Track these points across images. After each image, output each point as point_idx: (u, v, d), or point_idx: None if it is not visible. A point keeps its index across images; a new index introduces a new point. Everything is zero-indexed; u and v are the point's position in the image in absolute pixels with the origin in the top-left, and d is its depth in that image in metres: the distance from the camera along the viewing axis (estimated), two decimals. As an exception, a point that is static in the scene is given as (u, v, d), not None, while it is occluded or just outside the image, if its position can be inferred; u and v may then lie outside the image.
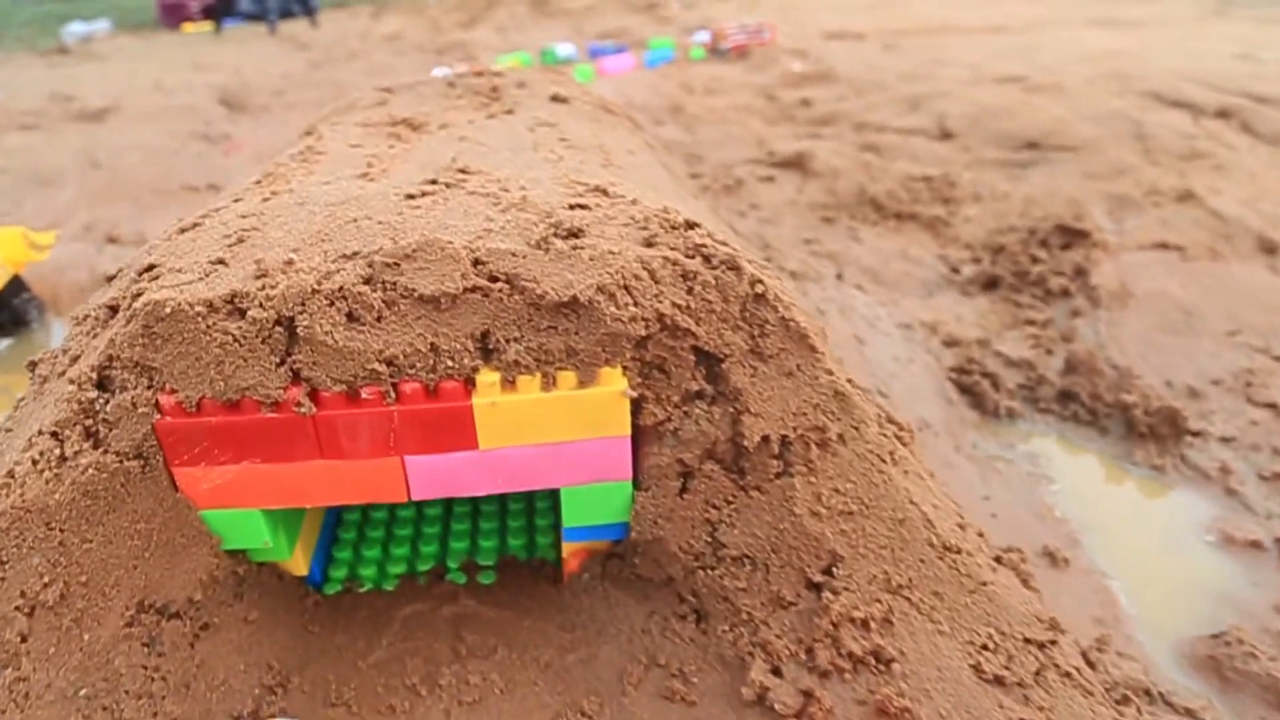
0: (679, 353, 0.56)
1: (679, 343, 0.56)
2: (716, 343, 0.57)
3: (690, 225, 0.60)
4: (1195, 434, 1.00)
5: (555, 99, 1.06)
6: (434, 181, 0.70)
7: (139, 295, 0.55)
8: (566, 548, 0.63)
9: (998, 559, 0.68)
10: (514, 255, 0.54)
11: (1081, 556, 0.84)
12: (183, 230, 0.67)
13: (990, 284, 1.40)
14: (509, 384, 0.54)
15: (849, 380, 0.64)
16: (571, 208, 0.62)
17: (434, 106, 1.04)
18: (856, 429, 0.62)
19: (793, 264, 1.37)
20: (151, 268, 0.61)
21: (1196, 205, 1.57)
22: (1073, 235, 1.46)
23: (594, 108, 1.08)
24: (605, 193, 0.65)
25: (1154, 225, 1.56)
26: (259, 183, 0.78)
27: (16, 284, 1.35)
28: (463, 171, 0.73)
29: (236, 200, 0.74)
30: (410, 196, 0.65)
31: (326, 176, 0.76)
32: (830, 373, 0.61)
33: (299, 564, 0.63)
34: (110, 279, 0.67)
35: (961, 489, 0.94)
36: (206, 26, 5.54)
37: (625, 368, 0.55)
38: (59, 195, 1.88)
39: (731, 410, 0.59)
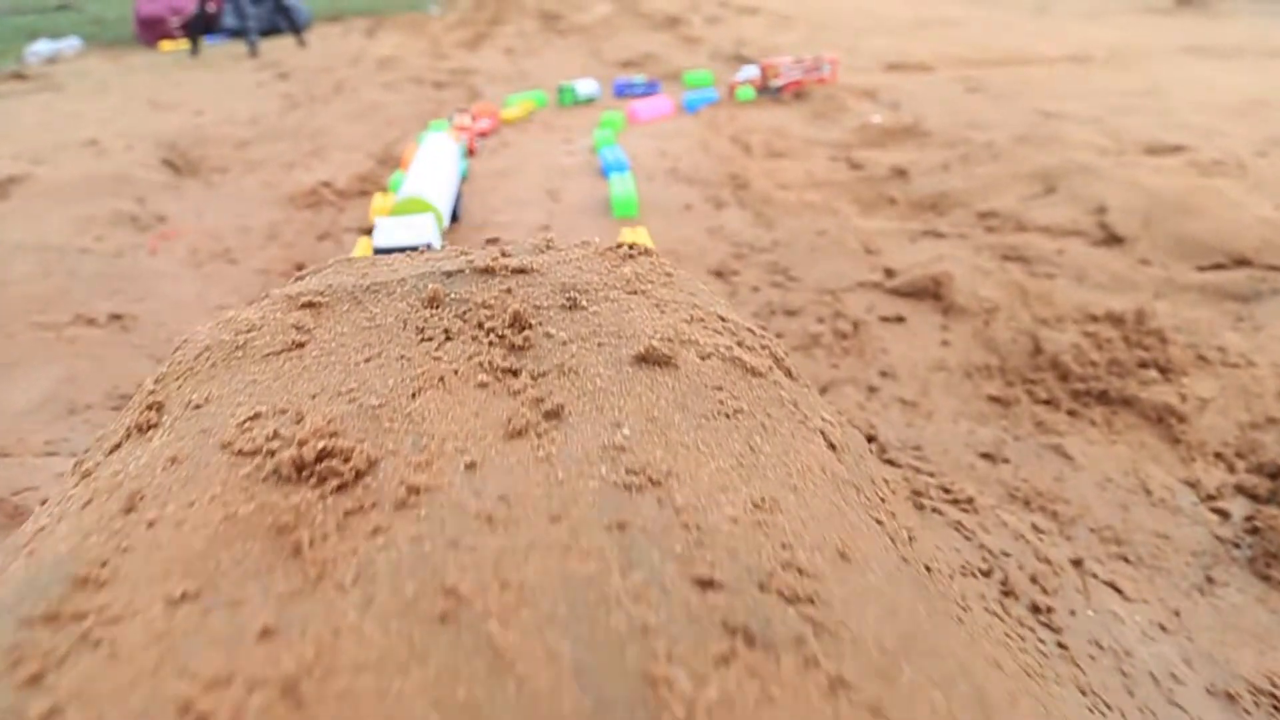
0: None
1: None
2: None
3: None
4: None
5: (645, 357, 0.53)
6: None
7: None
8: None
9: None
10: None
11: None
12: None
13: (1313, 563, 0.86)
14: None
15: None
16: None
17: (394, 370, 0.51)
18: None
19: (1001, 544, 0.84)
20: None
21: None
22: None
23: (720, 362, 0.56)
24: None
25: None
26: None
27: None
28: None
29: None
30: None
31: None
32: None
33: None
34: None
35: None
36: (185, 45, 5.01)
37: None
38: (-95, 328, 1.35)
39: None
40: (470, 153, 2.29)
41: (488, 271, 0.59)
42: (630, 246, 0.66)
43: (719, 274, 1.46)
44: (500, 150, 2.36)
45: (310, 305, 0.59)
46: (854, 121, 2.47)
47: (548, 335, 0.55)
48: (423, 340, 0.56)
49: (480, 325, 0.56)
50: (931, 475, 0.97)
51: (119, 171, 2.06)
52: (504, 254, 0.63)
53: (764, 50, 3.93)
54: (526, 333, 0.55)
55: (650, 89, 3.02)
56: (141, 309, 1.42)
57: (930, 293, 1.36)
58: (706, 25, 5.16)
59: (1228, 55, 3.49)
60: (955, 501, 0.90)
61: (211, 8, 5.44)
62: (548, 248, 0.65)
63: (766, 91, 2.85)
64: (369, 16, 6.41)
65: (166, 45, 5.32)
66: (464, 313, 0.58)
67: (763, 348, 0.61)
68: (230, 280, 1.55)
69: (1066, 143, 2.04)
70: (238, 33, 5.12)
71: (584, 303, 0.58)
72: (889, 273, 1.43)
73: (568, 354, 0.53)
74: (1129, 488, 0.97)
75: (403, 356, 0.54)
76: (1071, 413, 1.11)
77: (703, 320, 0.60)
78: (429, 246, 1.32)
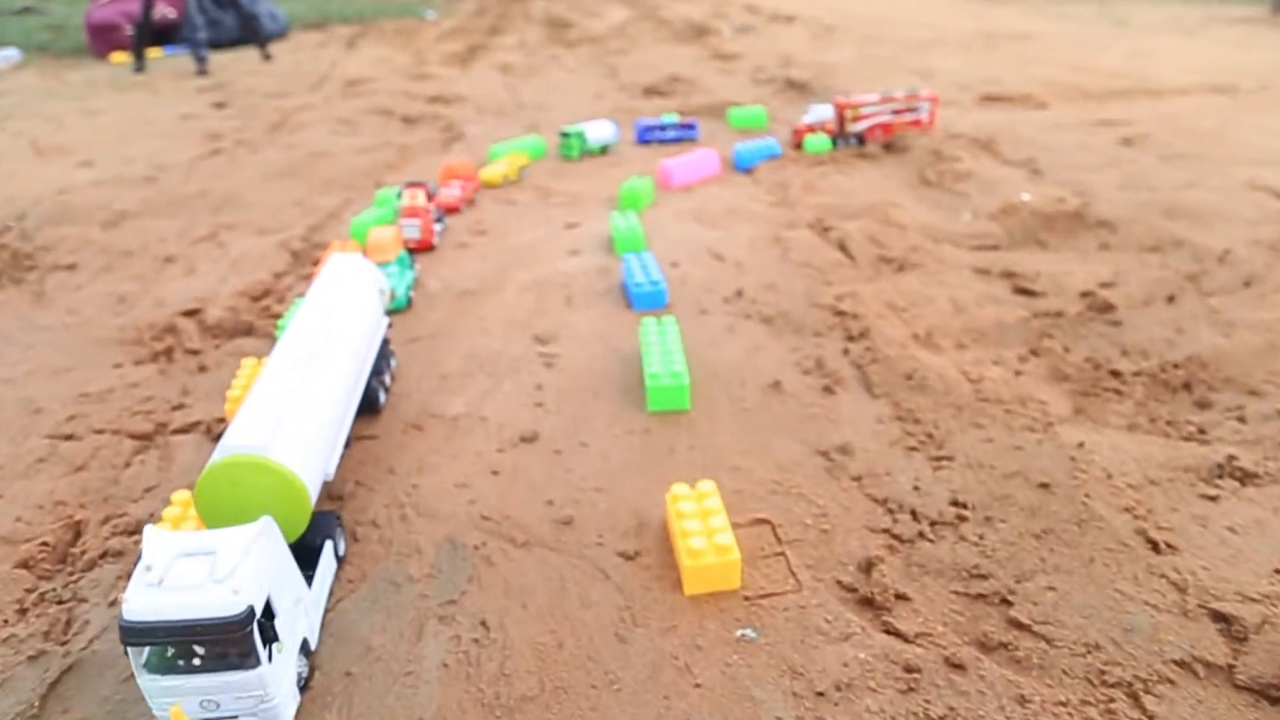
0: None
1: None
2: None
3: None
4: None
5: None
6: None
7: None
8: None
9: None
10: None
11: None
12: None
13: None
14: None
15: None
16: None
17: None
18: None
19: None
20: None
21: None
22: None
23: None
24: None
25: None
26: None
27: None
28: None
29: None
30: None
31: None
32: None
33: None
34: None
35: None
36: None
37: None
38: None
39: None
40: (424, 248, 1.56)
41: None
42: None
43: (868, 602, 0.73)
44: (472, 241, 1.63)
45: None
46: (985, 194, 1.73)
47: None
48: None
49: None
50: None
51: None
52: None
53: (817, 71, 3.19)
54: None
55: (685, 133, 2.29)
56: None
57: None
58: (738, 36, 4.43)
59: None
60: None
61: (171, 15, 4.76)
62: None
63: (844, 139, 2.11)
64: (356, 24, 5.70)
65: (118, 57, 4.62)
66: None
67: None
68: (-61, 557, 0.83)
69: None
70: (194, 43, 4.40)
71: None
72: (1221, 622, 0.69)
73: None
74: None
75: None
76: None
77: None
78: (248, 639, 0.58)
